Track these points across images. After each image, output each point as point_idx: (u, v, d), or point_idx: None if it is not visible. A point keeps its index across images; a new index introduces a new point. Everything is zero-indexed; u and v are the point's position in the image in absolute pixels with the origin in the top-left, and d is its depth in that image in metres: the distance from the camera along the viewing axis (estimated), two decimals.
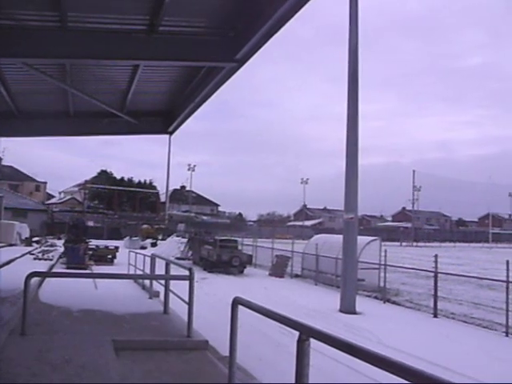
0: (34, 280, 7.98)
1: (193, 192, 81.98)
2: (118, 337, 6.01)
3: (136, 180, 69.78)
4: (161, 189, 67.54)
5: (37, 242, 31.86)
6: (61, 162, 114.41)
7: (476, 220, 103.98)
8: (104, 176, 67.97)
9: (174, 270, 8.87)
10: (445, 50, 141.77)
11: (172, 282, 7.97)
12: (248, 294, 10.47)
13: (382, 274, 15.61)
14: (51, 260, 20.83)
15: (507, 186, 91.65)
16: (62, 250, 22.99)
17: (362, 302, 13.47)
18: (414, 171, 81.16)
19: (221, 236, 28.41)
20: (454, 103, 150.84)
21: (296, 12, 5.74)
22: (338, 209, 69.78)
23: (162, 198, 64.94)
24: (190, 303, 6.44)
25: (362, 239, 15.98)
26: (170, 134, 12.48)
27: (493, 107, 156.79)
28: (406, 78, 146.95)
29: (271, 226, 75.63)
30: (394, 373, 2.10)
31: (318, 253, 19.05)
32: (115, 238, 40.08)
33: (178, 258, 25.74)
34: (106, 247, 23.95)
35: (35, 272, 6.64)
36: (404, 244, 62.96)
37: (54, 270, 16.78)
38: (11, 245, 28.63)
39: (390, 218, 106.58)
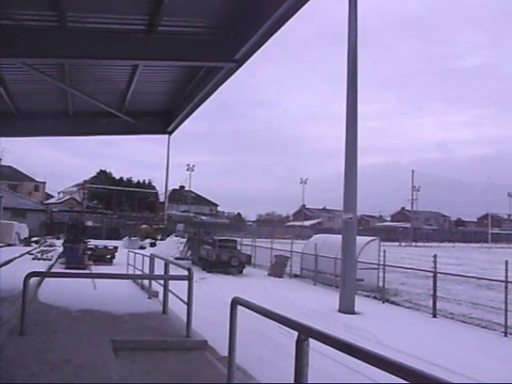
0: (33, 280, 7.98)
1: (192, 192, 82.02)
2: (117, 337, 6.02)
3: (135, 180, 69.84)
4: (160, 189, 67.55)
5: (36, 241, 31.85)
6: (60, 162, 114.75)
7: (475, 220, 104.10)
8: (103, 176, 67.93)
9: (173, 270, 8.87)
10: (444, 50, 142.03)
11: (171, 282, 7.96)
12: (247, 294, 10.48)
13: (381, 274, 15.61)
14: (50, 260, 20.82)
15: (506, 186, 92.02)
16: (60, 249, 22.94)
17: (360, 302, 13.47)
18: (413, 171, 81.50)
19: (220, 236, 28.44)
20: (452, 103, 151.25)
21: (296, 12, 5.74)
22: (337, 209, 69.92)
23: (161, 198, 64.91)
24: (189, 303, 6.44)
25: (361, 239, 15.99)
26: (169, 134, 12.46)
27: (492, 107, 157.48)
28: (405, 78, 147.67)
29: (270, 226, 75.74)
30: (393, 373, 2.10)
31: (317, 253, 19.06)
32: (114, 237, 40.09)
33: (177, 258, 25.72)
34: (105, 247, 23.90)
35: (34, 272, 6.65)
36: (403, 244, 63.02)
37: (53, 270, 16.77)
38: (10, 245, 28.64)
39: (389, 218, 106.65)
